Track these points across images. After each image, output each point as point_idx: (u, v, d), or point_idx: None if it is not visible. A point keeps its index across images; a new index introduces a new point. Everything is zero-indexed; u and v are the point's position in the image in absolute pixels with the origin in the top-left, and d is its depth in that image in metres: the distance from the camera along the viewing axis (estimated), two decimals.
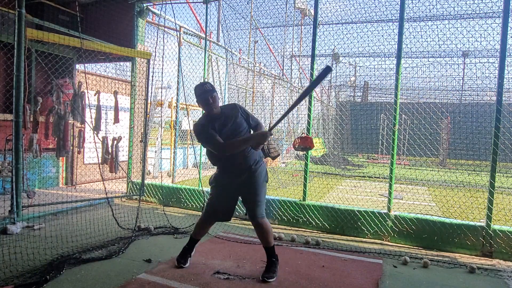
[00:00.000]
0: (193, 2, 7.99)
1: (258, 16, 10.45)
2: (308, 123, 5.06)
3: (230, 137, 3.13)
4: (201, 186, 5.53)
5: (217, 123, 3.16)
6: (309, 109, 5.02)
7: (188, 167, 11.13)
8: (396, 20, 4.99)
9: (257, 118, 3.39)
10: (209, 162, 3.42)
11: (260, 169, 3.28)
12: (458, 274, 3.54)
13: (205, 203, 5.23)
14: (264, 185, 3.33)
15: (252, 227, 3.34)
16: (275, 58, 13.24)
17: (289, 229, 4.89)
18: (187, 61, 8.23)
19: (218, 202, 3.33)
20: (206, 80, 6.63)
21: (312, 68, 5.06)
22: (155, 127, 10.11)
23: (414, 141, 9.16)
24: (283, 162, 13.23)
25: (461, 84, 13.85)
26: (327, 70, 2.72)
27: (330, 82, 14.80)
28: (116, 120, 5.58)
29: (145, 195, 6.18)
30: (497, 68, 4.10)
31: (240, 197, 3.37)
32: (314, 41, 5.00)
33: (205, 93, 3.12)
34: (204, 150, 4.01)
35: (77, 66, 6.89)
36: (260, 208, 3.23)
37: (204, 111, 3.26)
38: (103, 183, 4.81)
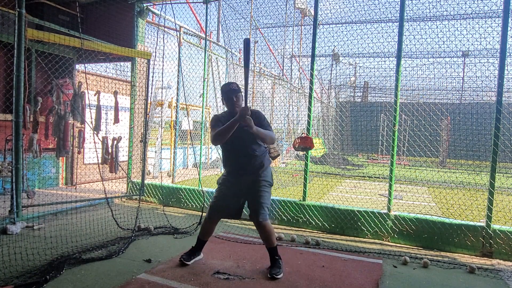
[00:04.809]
0: (193, 2, 7.99)
1: (258, 16, 10.44)
2: (308, 123, 5.06)
3: (237, 135, 3.15)
4: (201, 186, 5.54)
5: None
6: (309, 109, 5.02)
7: (188, 167, 11.12)
8: (396, 20, 4.99)
9: (271, 127, 3.35)
10: (209, 162, 3.47)
11: (265, 173, 3.36)
12: (458, 274, 3.54)
13: (208, 202, 5.23)
14: (269, 189, 3.39)
15: (253, 227, 3.36)
16: (275, 58, 13.25)
17: (289, 229, 4.89)
18: (187, 61, 8.23)
19: (221, 200, 3.40)
20: (206, 79, 6.67)
21: (312, 68, 5.06)
22: (155, 127, 10.10)
23: (414, 141, 9.16)
24: (283, 162, 13.22)
25: (461, 84, 13.87)
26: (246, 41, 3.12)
27: (330, 82, 14.81)
28: (116, 120, 5.59)
29: (145, 195, 6.18)
30: (497, 68, 4.10)
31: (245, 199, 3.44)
32: (314, 41, 5.00)
33: (230, 92, 3.36)
34: (204, 150, 4.04)
35: (77, 66, 6.90)
36: (263, 210, 3.27)
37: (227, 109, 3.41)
38: (103, 183, 4.81)
